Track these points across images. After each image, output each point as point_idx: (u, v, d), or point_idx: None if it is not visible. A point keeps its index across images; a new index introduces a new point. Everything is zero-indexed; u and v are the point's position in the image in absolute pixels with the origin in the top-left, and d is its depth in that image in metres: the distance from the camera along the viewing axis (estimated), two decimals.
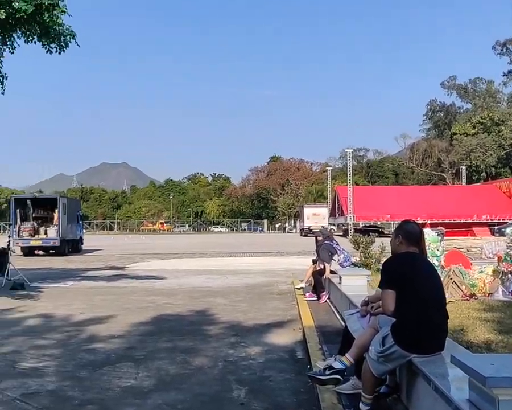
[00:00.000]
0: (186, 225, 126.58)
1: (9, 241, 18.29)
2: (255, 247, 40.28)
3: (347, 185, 67.95)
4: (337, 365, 5.38)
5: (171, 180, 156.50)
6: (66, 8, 11.62)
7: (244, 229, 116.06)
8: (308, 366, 6.92)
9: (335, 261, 12.98)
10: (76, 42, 12.22)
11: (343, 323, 9.51)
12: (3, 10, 11.12)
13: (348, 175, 68.70)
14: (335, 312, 10.69)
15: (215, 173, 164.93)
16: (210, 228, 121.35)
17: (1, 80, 13.19)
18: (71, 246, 35.24)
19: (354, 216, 63.64)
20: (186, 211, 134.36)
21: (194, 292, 14.86)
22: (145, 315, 11.26)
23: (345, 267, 12.73)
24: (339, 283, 10.94)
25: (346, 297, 9.67)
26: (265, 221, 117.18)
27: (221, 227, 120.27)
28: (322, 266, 12.96)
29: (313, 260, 14.15)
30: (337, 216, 72.65)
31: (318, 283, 12.61)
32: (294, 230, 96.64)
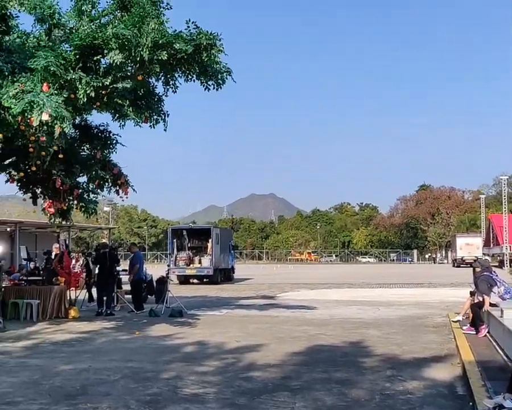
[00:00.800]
0: (334, 255, 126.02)
1: (168, 270, 19.27)
2: (406, 279, 39.14)
3: (502, 213, 64.62)
4: (509, 405, 5.04)
5: (318, 210, 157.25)
6: (222, 48, 12.16)
7: (393, 260, 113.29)
8: (470, 403, 6.54)
9: (495, 293, 12.26)
10: (232, 78, 12.74)
11: (506, 359, 8.96)
12: (165, 51, 11.85)
13: (503, 203, 65.36)
14: (497, 347, 10.08)
15: (362, 203, 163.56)
16: (357, 258, 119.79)
17: (163, 117, 14.05)
18: (223, 275, 36.30)
19: (510, 246, 60.15)
20: (333, 241, 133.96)
21: (346, 323, 14.67)
22: (298, 344, 11.28)
23: (505, 300, 12.01)
24: (501, 316, 10.33)
25: (510, 331, 9.10)
26: (415, 251, 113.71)
27: (369, 257, 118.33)
28: (480, 299, 12.30)
29: (471, 292, 13.51)
30: (492, 245, 69.07)
31: (477, 316, 12.00)
32: (445, 261, 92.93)
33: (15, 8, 13.13)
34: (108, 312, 16.68)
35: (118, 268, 18.37)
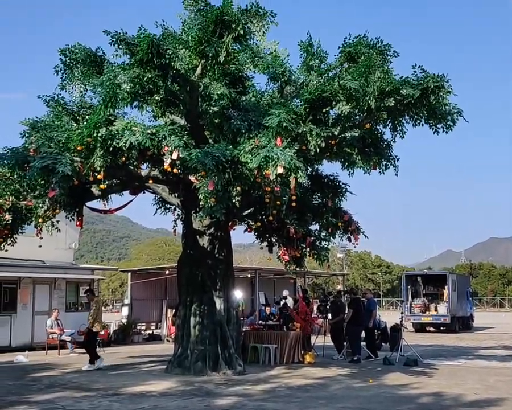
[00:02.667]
0: None
1: (402, 317, 18.88)
2: None
3: None
4: None
5: None
6: (451, 89, 11.86)
7: None
8: None
9: None
10: (464, 118, 12.31)
11: None
12: (392, 98, 11.89)
13: None
14: None
15: None
16: None
17: (393, 162, 14.03)
18: (461, 323, 34.53)
19: None
20: None
21: None
22: None
23: None
24: None
25: None
26: None
27: None
28: None
29: None
30: None
31: None
32: None
33: (250, 69, 14.23)
34: (355, 359, 16.66)
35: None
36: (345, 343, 17.79)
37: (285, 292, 21.71)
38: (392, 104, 11.90)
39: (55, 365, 16.57)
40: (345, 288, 33.91)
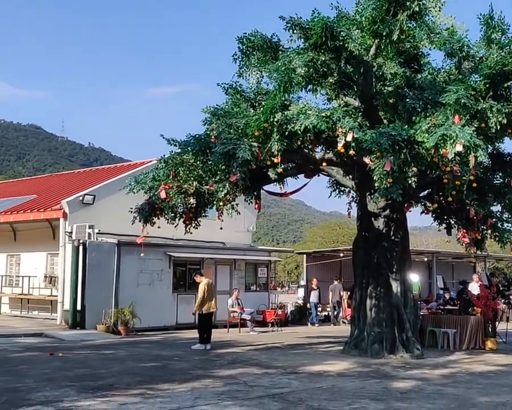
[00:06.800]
0: None
1: None
2: None
3: None
4: None
5: None
6: None
7: None
8: None
9: None
10: None
11: None
12: None
13: None
14: None
15: None
16: None
17: None
18: None
19: None
20: None
21: None
22: None
23: None
24: None
25: None
26: None
27: None
28: None
29: None
30: None
31: None
32: None
33: (425, 46, 13.80)
34: None
35: None
36: None
37: (475, 277, 20.81)
38: None
39: (236, 342, 17.38)
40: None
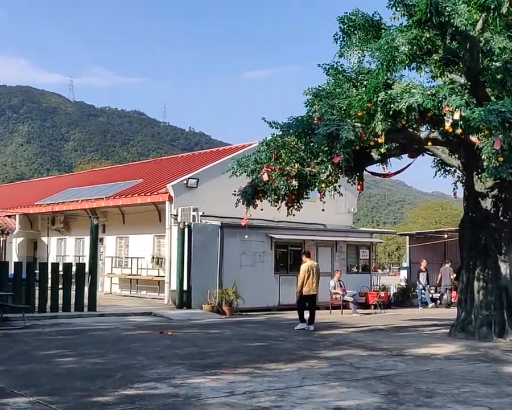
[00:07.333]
0: None
1: None
2: None
3: None
4: None
5: None
6: None
7: None
8: None
9: None
10: None
11: None
12: None
13: None
14: None
15: None
16: None
17: None
18: None
19: None
20: None
21: None
22: None
23: None
24: None
25: None
26: None
27: None
28: None
29: None
30: None
31: None
32: None
33: None
34: None
35: None
36: None
37: None
38: None
39: (339, 324, 17.40)
40: None
